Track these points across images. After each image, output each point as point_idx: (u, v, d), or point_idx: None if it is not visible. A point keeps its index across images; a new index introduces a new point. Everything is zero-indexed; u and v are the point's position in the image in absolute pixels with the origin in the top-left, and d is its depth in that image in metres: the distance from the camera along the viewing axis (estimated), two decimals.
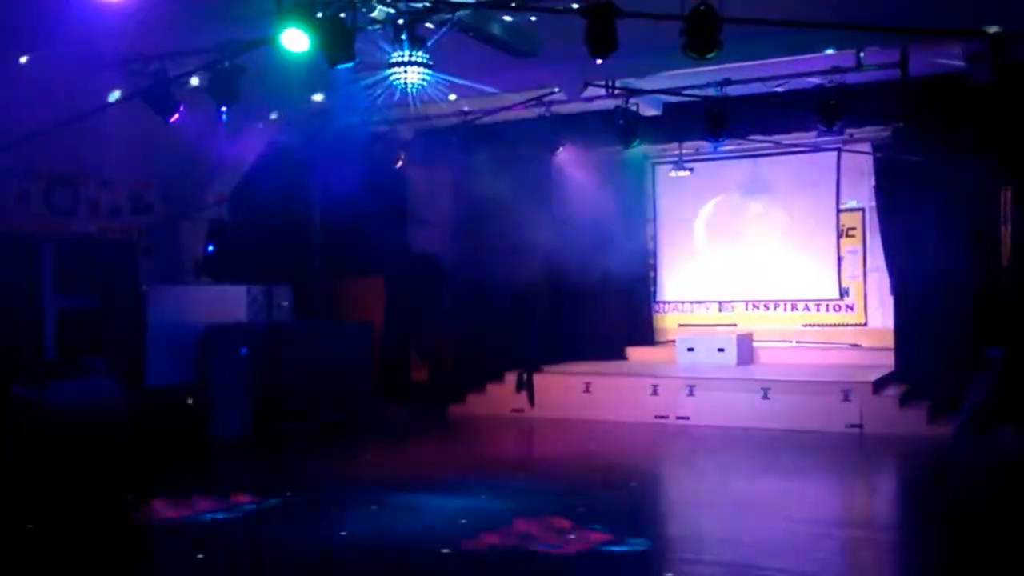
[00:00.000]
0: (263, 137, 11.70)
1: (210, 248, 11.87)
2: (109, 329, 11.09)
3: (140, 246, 11.63)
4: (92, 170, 10.85)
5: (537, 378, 12.30)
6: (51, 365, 10.52)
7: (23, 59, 8.29)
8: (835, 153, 13.14)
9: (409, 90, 7.82)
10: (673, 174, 13.56)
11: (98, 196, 11.10)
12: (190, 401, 10.21)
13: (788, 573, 5.58)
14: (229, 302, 11.43)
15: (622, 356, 13.86)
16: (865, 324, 13.25)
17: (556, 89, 10.60)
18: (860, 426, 10.47)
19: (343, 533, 6.63)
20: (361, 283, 12.93)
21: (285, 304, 12.06)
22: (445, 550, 6.06)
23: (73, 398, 9.83)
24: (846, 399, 10.57)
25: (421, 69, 7.64)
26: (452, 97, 9.73)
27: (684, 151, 13.26)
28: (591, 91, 10.69)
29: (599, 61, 7.36)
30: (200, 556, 6.33)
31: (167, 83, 8.78)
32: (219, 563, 6.07)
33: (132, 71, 8.96)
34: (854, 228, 13.40)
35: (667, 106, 11.69)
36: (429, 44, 7.64)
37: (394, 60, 7.59)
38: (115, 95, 8.78)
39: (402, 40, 7.59)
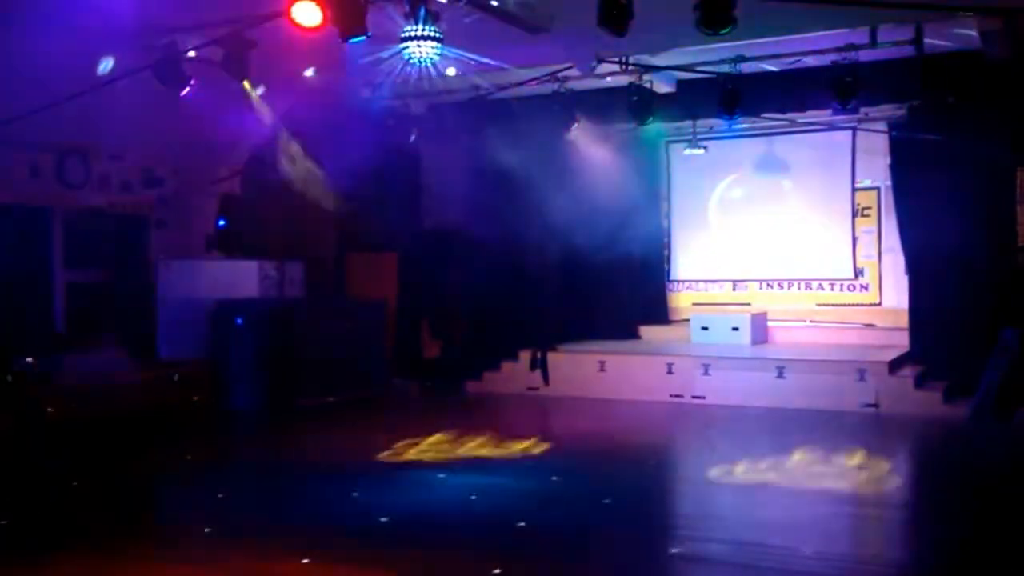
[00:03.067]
0: (275, 111, 11.64)
1: (221, 223, 11.88)
2: (119, 303, 11.12)
3: (151, 220, 11.63)
4: (103, 143, 10.84)
5: (551, 356, 12.29)
6: (60, 339, 10.58)
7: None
8: (850, 132, 13.01)
9: (421, 64, 7.76)
10: (687, 152, 13.45)
11: (109, 169, 11.09)
12: (175, 378, 10.23)
13: (793, 552, 5.55)
14: (241, 277, 11.46)
15: (635, 335, 13.84)
16: (879, 304, 13.15)
17: (569, 65, 10.51)
18: (876, 406, 10.43)
19: (355, 494, 6.68)
20: (374, 259, 12.91)
21: (297, 279, 12.07)
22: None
23: (83, 372, 9.91)
24: (861, 379, 10.52)
25: (433, 43, 7.56)
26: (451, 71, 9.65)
27: (698, 129, 13.14)
28: (605, 67, 10.60)
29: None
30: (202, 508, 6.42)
31: (178, 57, 8.74)
32: (229, 533, 6.10)
33: (143, 44, 8.92)
34: (869, 207, 13.28)
35: (681, 83, 11.58)
36: (441, 17, 7.56)
37: (406, 34, 7.52)
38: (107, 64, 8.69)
39: (414, 14, 7.51)
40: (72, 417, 9.27)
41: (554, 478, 7.56)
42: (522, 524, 6.10)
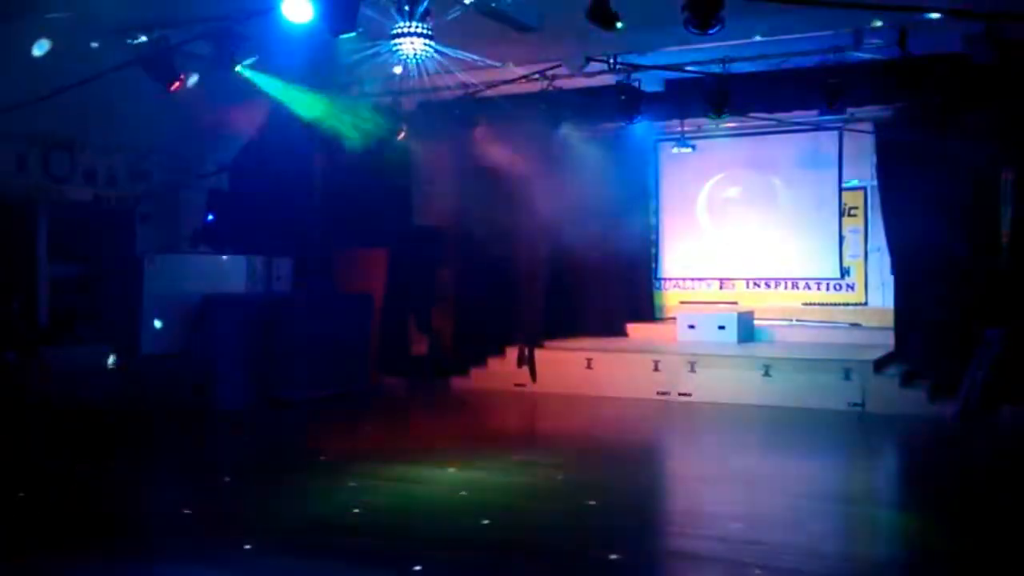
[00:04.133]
0: (264, 106, 11.60)
1: (209, 217, 11.83)
2: (104, 297, 11.07)
3: (137, 214, 11.57)
4: (90, 137, 10.77)
5: (539, 353, 12.32)
6: (45, 332, 10.51)
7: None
8: (837, 132, 13.09)
9: (411, 61, 7.77)
10: (675, 151, 13.52)
11: (95, 163, 11.01)
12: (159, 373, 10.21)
13: (783, 547, 5.61)
14: (228, 272, 11.40)
15: (622, 332, 13.88)
16: (865, 304, 13.28)
17: (558, 64, 10.54)
18: (861, 405, 10.52)
19: (336, 493, 6.67)
20: (362, 255, 12.88)
21: (284, 275, 12.04)
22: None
23: (67, 366, 9.86)
24: (847, 378, 10.60)
25: (424, 40, 7.57)
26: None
27: (687, 128, 13.21)
28: (593, 66, 10.63)
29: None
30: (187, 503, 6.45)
31: (168, 51, 8.71)
32: (212, 525, 6.11)
33: (133, 38, 8.89)
34: (856, 207, 13.39)
35: (669, 83, 11.62)
36: (430, 14, 7.57)
37: (396, 31, 7.52)
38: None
39: (404, 11, 7.51)
40: (54, 411, 9.22)
41: (560, 477, 7.57)
42: (486, 521, 6.13)
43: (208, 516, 6.34)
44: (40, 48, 8.41)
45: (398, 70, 9.12)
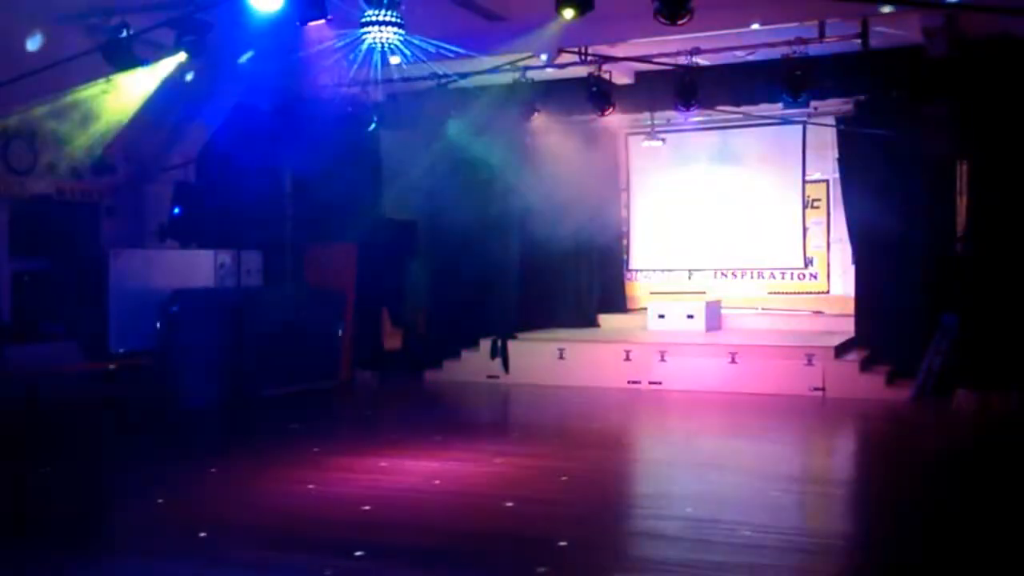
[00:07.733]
0: (230, 97, 11.46)
1: (176, 211, 11.64)
2: (69, 293, 10.83)
3: (102, 208, 11.34)
4: (51, 128, 10.53)
5: (511, 345, 12.36)
6: (8, 330, 10.27)
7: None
8: (800, 126, 13.33)
9: (382, 50, 7.75)
10: (646, 144, 13.66)
11: (57, 155, 10.75)
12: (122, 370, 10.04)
13: (745, 526, 5.72)
14: (196, 267, 11.24)
15: (594, 323, 14.01)
16: (828, 292, 13.57)
17: (529, 55, 10.58)
18: (822, 389, 10.75)
19: (310, 486, 6.67)
20: (333, 248, 12.78)
21: (254, 269, 11.91)
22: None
23: (31, 364, 9.65)
24: (809, 363, 10.85)
25: (394, 29, 7.55)
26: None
27: (656, 122, 13.36)
28: (565, 58, 10.69)
29: (568, 17, 7.47)
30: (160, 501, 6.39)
31: (129, 38, 8.56)
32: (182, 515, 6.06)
33: (92, 25, 8.73)
34: (819, 199, 13.67)
35: (639, 75, 11.74)
36: (401, 3, 7.56)
37: (367, 19, 7.49)
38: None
39: None
40: (19, 410, 9.03)
41: (531, 465, 7.59)
42: (459, 509, 6.13)
43: (177, 513, 6.24)
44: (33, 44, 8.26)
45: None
